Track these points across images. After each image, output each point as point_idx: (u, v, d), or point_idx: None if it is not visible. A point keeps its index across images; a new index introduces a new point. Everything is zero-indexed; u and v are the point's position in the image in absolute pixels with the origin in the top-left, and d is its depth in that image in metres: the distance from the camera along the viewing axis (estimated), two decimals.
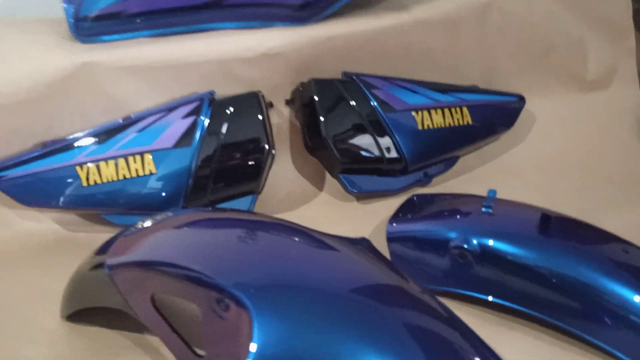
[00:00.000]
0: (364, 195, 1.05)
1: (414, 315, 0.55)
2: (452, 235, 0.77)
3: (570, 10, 1.21)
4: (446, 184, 1.11)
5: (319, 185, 1.09)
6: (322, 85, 1.00)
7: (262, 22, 1.03)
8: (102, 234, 0.99)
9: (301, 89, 1.03)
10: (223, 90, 1.00)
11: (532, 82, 1.21)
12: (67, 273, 0.90)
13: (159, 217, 0.70)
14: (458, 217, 0.81)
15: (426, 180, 1.08)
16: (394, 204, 1.07)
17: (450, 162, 1.11)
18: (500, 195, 0.90)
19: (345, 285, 0.56)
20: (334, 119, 0.99)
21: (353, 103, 1.00)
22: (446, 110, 1.06)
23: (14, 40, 0.98)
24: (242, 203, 0.98)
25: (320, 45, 1.04)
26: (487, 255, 0.75)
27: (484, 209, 0.78)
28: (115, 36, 0.98)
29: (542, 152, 1.17)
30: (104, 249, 0.74)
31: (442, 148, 1.07)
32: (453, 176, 1.12)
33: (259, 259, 0.58)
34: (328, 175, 1.10)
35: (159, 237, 0.66)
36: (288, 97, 1.07)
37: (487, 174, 1.14)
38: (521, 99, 1.14)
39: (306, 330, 0.51)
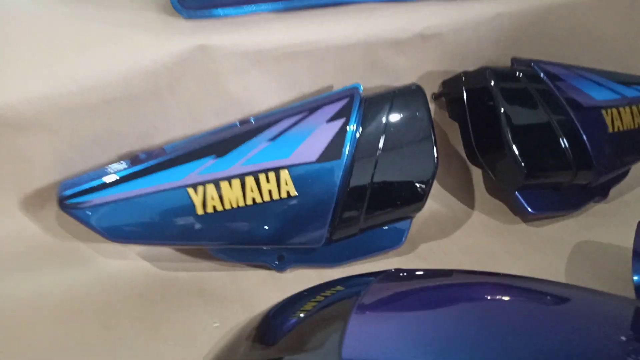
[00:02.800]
0: (533, 216, 0.83)
1: None
2: None
3: None
4: (622, 199, 0.89)
5: (469, 203, 0.87)
6: (499, 75, 0.77)
7: None
8: (209, 273, 0.76)
9: (464, 79, 0.80)
10: (363, 83, 0.75)
11: None
12: (179, 332, 0.68)
13: (389, 274, 0.46)
14: None
15: (604, 194, 0.87)
16: (570, 226, 0.85)
17: (624, 172, 0.89)
18: None
19: None
20: (517, 119, 0.76)
21: (538, 99, 0.77)
22: (634, 108, 0.84)
23: (104, 20, 0.72)
24: (396, 231, 0.75)
25: (483, 25, 0.81)
26: None
27: None
28: (230, 10, 0.73)
29: None
30: (281, 332, 0.49)
31: (629, 155, 0.85)
32: (627, 189, 0.91)
33: None
34: (479, 191, 0.88)
35: (438, 320, 0.41)
36: (435, 89, 0.84)
37: None
38: None
39: None
